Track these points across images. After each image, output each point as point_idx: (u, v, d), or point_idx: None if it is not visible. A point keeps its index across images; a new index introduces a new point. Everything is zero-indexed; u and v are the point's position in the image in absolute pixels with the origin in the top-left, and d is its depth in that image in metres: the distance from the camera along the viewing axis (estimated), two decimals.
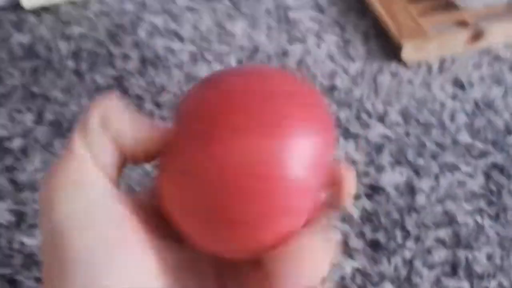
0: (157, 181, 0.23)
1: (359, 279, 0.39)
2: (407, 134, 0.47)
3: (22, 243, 0.40)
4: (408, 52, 0.51)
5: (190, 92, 0.23)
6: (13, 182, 0.43)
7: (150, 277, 0.20)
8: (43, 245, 0.20)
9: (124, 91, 0.49)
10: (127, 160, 0.23)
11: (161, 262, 0.21)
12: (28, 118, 0.47)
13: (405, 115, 0.48)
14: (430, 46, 0.51)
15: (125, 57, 0.52)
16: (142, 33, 0.54)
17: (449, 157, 0.46)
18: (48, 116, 0.47)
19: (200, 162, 0.21)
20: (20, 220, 0.41)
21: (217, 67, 0.51)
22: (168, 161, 0.22)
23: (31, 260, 0.39)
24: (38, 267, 0.38)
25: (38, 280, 0.38)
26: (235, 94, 0.21)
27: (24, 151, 0.45)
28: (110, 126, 0.22)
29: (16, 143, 0.45)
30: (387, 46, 0.53)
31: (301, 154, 0.21)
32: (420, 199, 0.43)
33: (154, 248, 0.21)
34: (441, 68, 0.52)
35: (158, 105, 0.48)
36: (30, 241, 0.40)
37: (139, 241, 0.21)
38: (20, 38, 0.53)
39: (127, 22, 0.54)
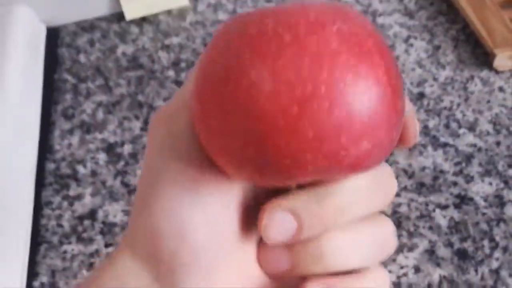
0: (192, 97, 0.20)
1: (446, 287, 0.41)
2: (498, 143, 0.47)
3: None
4: (501, 60, 0.50)
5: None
6: (125, 184, 0.48)
7: (225, 212, 0.21)
8: (139, 179, 0.22)
9: None
10: None
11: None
12: (136, 125, 0.52)
13: (496, 124, 0.49)
14: None
15: None
16: None
17: None
18: None
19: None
20: None
21: None
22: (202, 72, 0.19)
23: None
24: None
25: None
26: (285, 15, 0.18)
27: (134, 156, 0.50)
28: None
29: (126, 149, 0.50)
30: (478, 53, 0.53)
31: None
32: (510, 210, 0.44)
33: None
34: None
35: None
36: None
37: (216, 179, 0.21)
38: (124, 49, 0.58)
39: None
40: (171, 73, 0.55)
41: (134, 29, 0.59)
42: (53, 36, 0.60)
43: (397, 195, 0.45)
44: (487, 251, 0.42)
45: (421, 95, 0.51)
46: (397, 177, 0.46)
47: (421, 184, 0.46)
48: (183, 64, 0.56)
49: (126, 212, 0.46)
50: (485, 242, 0.42)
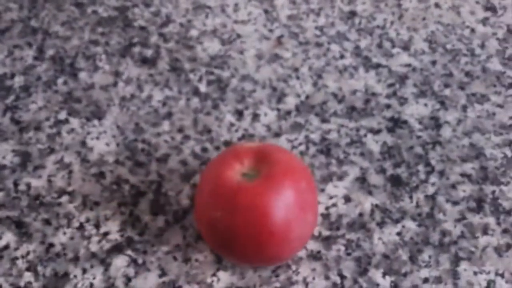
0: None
1: (378, 216, 0.37)
2: (433, 63, 0.44)
3: (28, 185, 0.38)
4: None
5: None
6: (16, 121, 0.41)
7: None
8: None
9: (128, 24, 0.46)
10: None
11: None
12: (29, 54, 0.44)
13: (432, 42, 0.45)
14: None
15: None
16: None
17: (477, 87, 0.42)
18: (49, 51, 0.45)
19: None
20: (25, 161, 0.39)
21: None
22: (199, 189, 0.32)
23: (37, 202, 0.38)
24: (45, 208, 0.37)
25: (45, 221, 0.37)
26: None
27: (26, 89, 0.43)
28: None
29: (18, 81, 0.43)
30: None
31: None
32: (446, 132, 0.40)
33: None
34: None
35: (164, 37, 0.45)
36: (36, 182, 0.38)
37: None
38: None
39: None
40: None
41: None
42: None
43: (327, 121, 0.41)
44: (422, 176, 0.39)
45: (352, 14, 0.46)
46: (326, 102, 0.42)
47: (352, 108, 0.41)
48: None
49: (16, 153, 0.40)
50: (420, 167, 0.39)
